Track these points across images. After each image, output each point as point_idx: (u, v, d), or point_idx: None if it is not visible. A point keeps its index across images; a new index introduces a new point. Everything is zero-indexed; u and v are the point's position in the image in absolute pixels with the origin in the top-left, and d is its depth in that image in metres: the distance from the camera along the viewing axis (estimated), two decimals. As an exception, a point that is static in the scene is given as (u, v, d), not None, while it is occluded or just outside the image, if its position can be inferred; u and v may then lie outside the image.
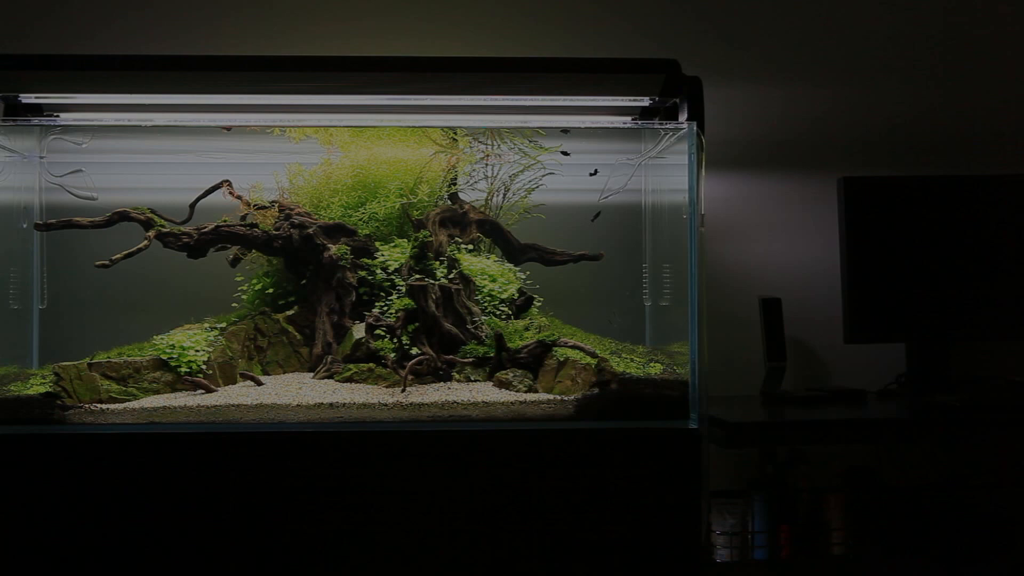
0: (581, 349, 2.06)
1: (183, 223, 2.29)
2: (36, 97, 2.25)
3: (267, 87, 2.28)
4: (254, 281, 2.27)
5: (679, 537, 1.98)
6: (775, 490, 2.38)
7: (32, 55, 2.24)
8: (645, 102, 2.31)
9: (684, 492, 1.98)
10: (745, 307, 2.69)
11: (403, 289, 2.17)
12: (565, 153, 2.20)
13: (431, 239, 2.21)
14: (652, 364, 2.13)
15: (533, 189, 2.43)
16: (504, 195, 2.44)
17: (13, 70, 2.16)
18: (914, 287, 2.63)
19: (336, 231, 2.23)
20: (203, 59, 2.35)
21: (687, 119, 2.17)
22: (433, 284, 2.13)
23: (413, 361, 2.04)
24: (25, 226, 2.36)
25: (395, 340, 2.08)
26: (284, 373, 2.20)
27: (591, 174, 2.34)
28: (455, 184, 2.38)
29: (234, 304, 2.30)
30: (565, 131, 2.32)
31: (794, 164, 2.84)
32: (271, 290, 2.25)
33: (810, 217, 2.84)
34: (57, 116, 2.34)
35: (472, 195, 2.45)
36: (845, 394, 2.48)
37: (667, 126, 2.18)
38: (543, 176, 2.44)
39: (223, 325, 2.18)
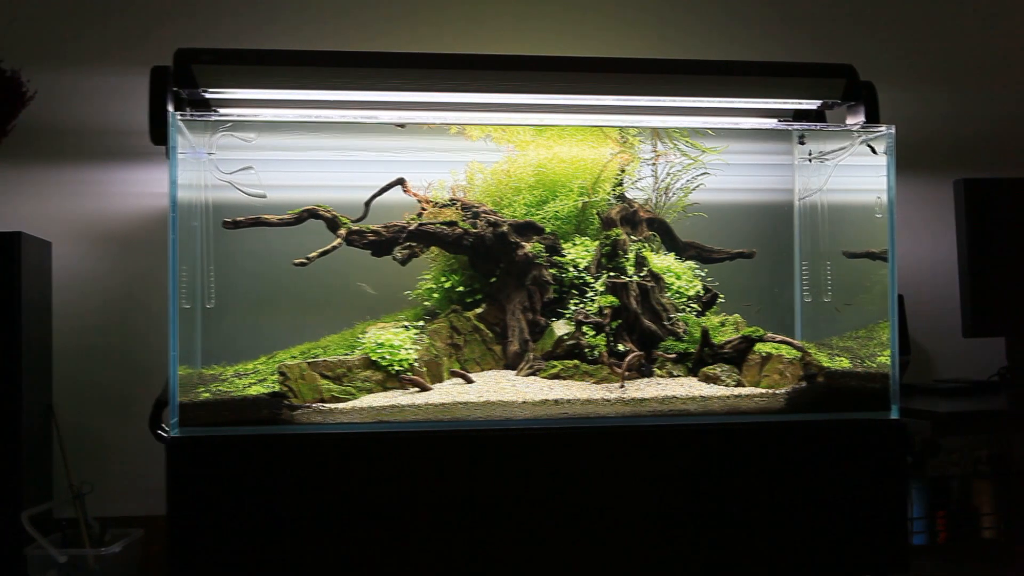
0: (789, 344, 2.12)
1: (357, 221, 2.28)
2: (213, 92, 2.21)
3: (441, 85, 2.28)
4: (442, 279, 2.26)
5: (891, 523, 2.06)
6: (929, 478, 2.49)
7: (214, 49, 2.18)
8: (813, 105, 2.40)
9: (892, 480, 2.07)
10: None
11: (595, 287, 2.20)
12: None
13: (622, 237, 2.25)
14: (837, 358, 2.21)
15: (693, 189, 2.48)
16: (666, 194, 2.48)
17: (202, 64, 2.12)
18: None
19: (526, 229, 2.25)
20: (379, 55, 2.32)
21: (864, 122, 2.26)
22: (631, 281, 2.17)
23: (630, 357, 2.08)
24: (196, 224, 2.30)
25: (606, 336, 2.11)
26: (481, 370, 2.20)
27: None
28: (622, 184, 2.42)
29: (426, 303, 2.30)
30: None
31: (910, 165, 2.95)
32: (460, 288, 2.25)
33: (919, 217, 2.96)
34: (216, 111, 2.30)
35: (631, 194, 2.49)
36: (980, 386, 2.60)
37: (854, 128, 2.26)
38: (700, 175, 2.50)
39: (420, 323, 2.17)
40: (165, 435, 2.04)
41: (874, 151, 2.14)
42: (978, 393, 2.56)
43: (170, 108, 2.07)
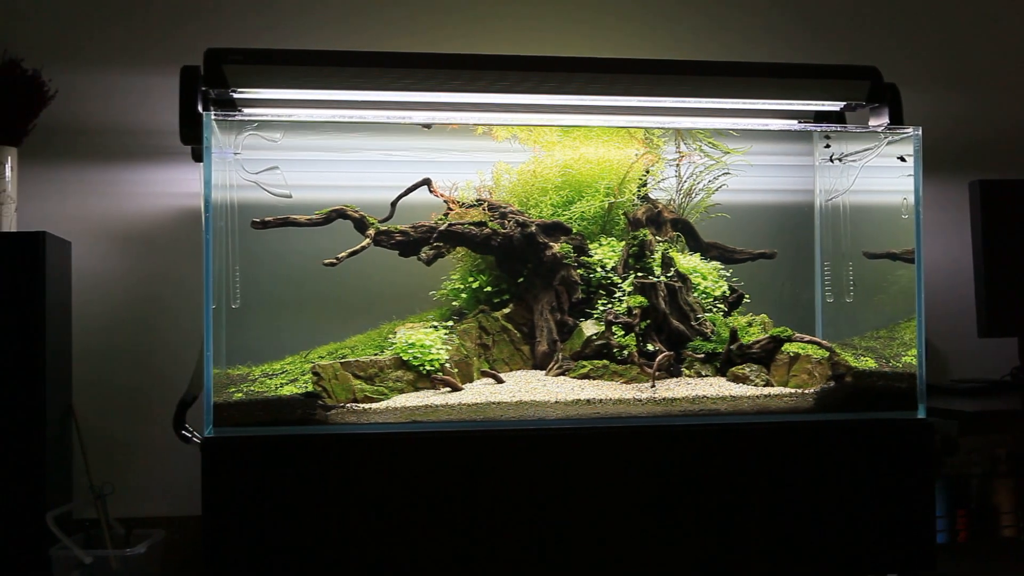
0: (817, 344, 2.13)
1: (384, 221, 2.28)
2: (241, 92, 2.20)
3: (467, 85, 2.27)
4: (470, 279, 2.27)
5: (918, 521, 2.07)
6: (948, 477, 2.50)
7: (244, 49, 2.17)
8: (836, 107, 2.41)
9: (919, 479, 2.08)
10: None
11: (623, 287, 2.21)
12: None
13: (649, 238, 2.26)
14: (863, 358, 2.23)
15: (716, 190, 2.49)
16: (689, 195, 2.49)
17: (232, 64, 2.11)
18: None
19: (554, 230, 2.26)
20: (406, 56, 2.31)
21: (888, 123, 2.28)
22: (659, 282, 2.18)
23: (660, 357, 2.08)
24: (221, 224, 2.29)
25: (637, 336, 2.11)
26: (510, 370, 2.20)
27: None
28: (646, 185, 2.43)
29: (454, 303, 2.30)
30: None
31: (925, 166, 2.96)
32: (488, 288, 2.26)
33: (934, 218, 2.97)
34: (240, 110, 2.29)
35: (654, 195, 2.49)
36: (998, 385, 2.62)
37: (880, 129, 2.27)
38: (721, 176, 2.50)
39: (450, 324, 2.18)
40: (189, 436, 2.03)
41: (903, 160, 2.15)
42: (996, 393, 2.58)
43: (200, 108, 2.07)
